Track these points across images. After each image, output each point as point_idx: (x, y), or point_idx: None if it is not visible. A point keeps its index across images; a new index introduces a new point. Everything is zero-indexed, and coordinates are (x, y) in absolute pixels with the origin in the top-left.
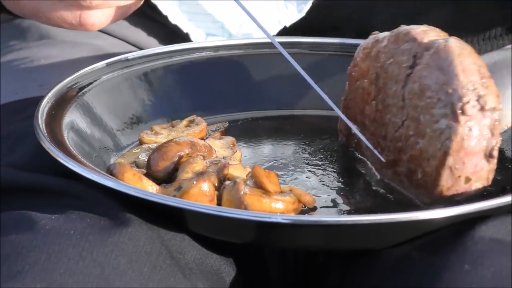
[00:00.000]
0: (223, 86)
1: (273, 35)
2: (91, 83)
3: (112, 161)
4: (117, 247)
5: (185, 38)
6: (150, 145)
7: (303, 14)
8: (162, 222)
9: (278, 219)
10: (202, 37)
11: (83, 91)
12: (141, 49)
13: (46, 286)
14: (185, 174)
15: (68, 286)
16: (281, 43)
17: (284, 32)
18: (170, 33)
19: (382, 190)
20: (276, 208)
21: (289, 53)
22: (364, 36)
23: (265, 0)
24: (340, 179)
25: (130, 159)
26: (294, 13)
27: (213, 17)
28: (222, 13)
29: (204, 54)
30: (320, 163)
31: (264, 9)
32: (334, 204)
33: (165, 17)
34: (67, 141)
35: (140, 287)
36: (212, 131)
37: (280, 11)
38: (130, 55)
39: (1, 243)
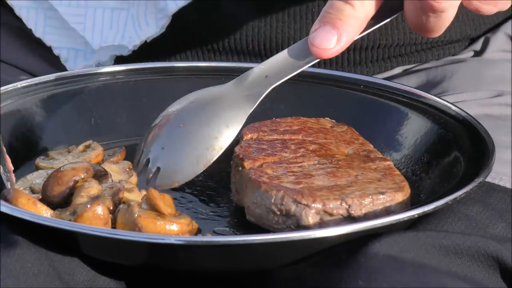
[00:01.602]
0: (120, 111)
1: (134, 50)
2: None
3: (6, 184)
4: (5, 268)
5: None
6: (46, 171)
7: (163, 29)
8: (52, 245)
9: (172, 240)
10: (66, 51)
11: None
12: (30, 73)
13: None
14: (80, 198)
15: None
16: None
17: (145, 48)
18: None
19: None
20: (170, 230)
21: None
22: (239, 56)
23: (127, 15)
24: (232, 202)
25: (26, 185)
26: (153, 28)
27: (76, 32)
28: (84, 28)
29: (101, 79)
30: (215, 186)
31: (124, 23)
32: (230, 225)
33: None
34: None
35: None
36: (108, 155)
37: (141, 26)
38: (22, 83)
39: None
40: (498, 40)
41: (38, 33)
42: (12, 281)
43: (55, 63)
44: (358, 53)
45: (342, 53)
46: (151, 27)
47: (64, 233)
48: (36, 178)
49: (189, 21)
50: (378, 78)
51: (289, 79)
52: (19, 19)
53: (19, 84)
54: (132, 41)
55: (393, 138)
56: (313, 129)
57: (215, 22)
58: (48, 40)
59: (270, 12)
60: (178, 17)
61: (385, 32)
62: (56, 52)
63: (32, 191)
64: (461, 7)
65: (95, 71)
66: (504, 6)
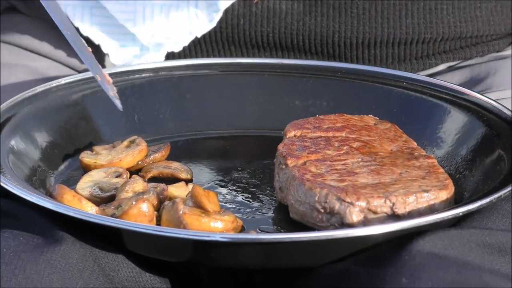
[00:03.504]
0: (164, 107)
1: (184, 46)
2: (28, 108)
3: (52, 182)
4: (50, 264)
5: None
6: (103, 170)
7: (214, 24)
8: (96, 241)
9: (217, 237)
10: (115, 48)
11: (21, 116)
12: (74, 69)
13: None
14: (125, 193)
15: None
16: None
17: (196, 44)
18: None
19: None
20: (215, 227)
21: (201, 75)
22: (283, 51)
23: (174, 10)
24: (275, 199)
25: (92, 183)
26: (205, 23)
27: (125, 29)
28: (134, 25)
29: (144, 75)
30: (259, 183)
31: (175, 19)
32: (274, 222)
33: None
34: (7, 164)
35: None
36: (153, 151)
37: (192, 21)
38: (66, 79)
39: None
40: None
41: (85, 31)
42: (57, 277)
43: (99, 60)
44: (403, 49)
45: (387, 49)
46: (203, 23)
47: (109, 230)
48: (98, 177)
49: (235, 16)
50: (421, 75)
51: (331, 76)
52: None
53: (63, 81)
54: (184, 37)
55: (436, 136)
56: (357, 127)
57: (261, 16)
58: (96, 38)
59: (315, 6)
60: (225, 12)
61: (430, 26)
62: (104, 50)
63: (101, 189)
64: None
65: (138, 68)
66: None
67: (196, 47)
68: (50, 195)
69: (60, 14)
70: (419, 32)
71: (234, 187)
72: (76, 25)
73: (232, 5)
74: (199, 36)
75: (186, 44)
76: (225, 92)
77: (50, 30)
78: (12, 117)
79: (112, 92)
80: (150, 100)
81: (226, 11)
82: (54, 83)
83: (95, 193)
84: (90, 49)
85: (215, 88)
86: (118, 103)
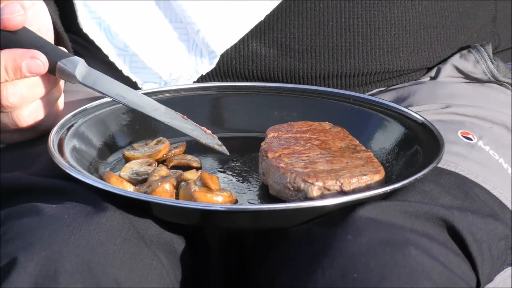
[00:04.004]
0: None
1: (193, 81)
2: (85, 118)
3: (103, 169)
4: (98, 226)
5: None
6: (139, 161)
7: (213, 65)
8: (132, 210)
9: (217, 207)
10: (141, 82)
11: (80, 124)
12: None
13: (48, 254)
14: (154, 177)
15: (63, 254)
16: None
17: (201, 78)
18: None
19: None
20: (216, 200)
21: (202, 95)
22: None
23: (185, 57)
24: (259, 181)
25: (130, 171)
26: (207, 65)
27: (152, 70)
28: (157, 65)
29: (167, 95)
30: (248, 169)
31: (186, 63)
32: (259, 197)
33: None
34: (70, 157)
35: (114, 253)
36: (174, 148)
37: (198, 65)
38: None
39: (17, 225)
40: (447, 69)
41: (126, 73)
42: (103, 234)
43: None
44: (348, 80)
45: (336, 80)
46: (206, 65)
47: (142, 202)
48: (135, 166)
49: (228, 58)
50: (363, 94)
51: (299, 95)
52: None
53: (109, 99)
54: (193, 75)
55: (373, 136)
56: (316, 130)
57: (247, 58)
58: (134, 78)
59: (285, 51)
60: (221, 56)
61: (367, 64)
62: (140, 85)
63: (137, 174)
64: (418, 42)
65: (163, 89)
66: None
67: (202, 80)
68: (101, 178)
69: (112, 86)
70: (359, 68)
71: (230, 173)
72: (119, 68)
73: (226, 50)
74: (204, 73)
75: (195, 79)
76: (224, 106)
77: (104, 66)
78: (73, 124)
79: (215, 143)
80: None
81: (222, 55)
82: (103, 100)
83: (133, 177)
84: (185, 117)
85: (217, 104)
86: (224, 149)
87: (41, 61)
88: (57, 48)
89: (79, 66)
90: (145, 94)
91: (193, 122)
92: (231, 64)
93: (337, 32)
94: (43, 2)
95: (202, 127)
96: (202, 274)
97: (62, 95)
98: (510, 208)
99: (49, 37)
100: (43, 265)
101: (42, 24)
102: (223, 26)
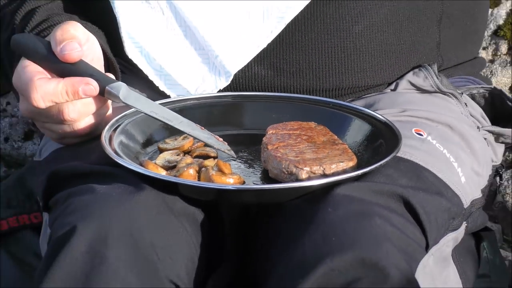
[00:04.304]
0: (201, 118)
1: (218, 91)
2: (129, 120)
3: (141, 158)
4: (138, 202)
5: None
6: (170, 152)
7: (228, 82)
8: (164, 190)
9: (229, 187)
10: (173, 95)
11: (125, 124)
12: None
13: (100, 223)
14: (181, 164)
15: (111, 223)
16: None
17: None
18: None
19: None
20: (229, 181)
21: (222, 101)
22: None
23: (207, 76)
24: (261, 167)
25: (163, 159)
26: (224, 82)
27: (182, 86)
28: (186, 82)
29: (191, 102)
30: (253, 158)
31: (208, 82)
32: (261, 179)
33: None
34: (117, 149)
35: (150, 222)
36: (196, 141)
37: (217, 82)
38: (158, 102)
39: (76, 201)
40: (403, 83)
41: (162, 88)
42: (141, 208)
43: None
44: (327, 93)
45: (318, 93)
46: (223, 82)
47: (172, 183)
48: (167, 156)
49: (238, 77)
50: (340, 101)
51: (292, 101)
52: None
53: (158, 102)
54: (214, 89)
55: (348, 132)
56: (305, 128)
57: (251, 77)
58: (168, 92)
59: (279, 71)
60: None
61: (341, 81)
62: (171, 96)
63: (168, 162)
64: (381, 64)
65: (187, 97)
66: None
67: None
68: (141, 165)
69: (148, 105)
70: (336, 84)
71: (239, 161)
72: (156, 85)
73: (236, 72)
74: (221, 88)
75: (215, 92)
76: (235, 110)
77: (145, 83)
78: (119, 125)
79: (225, 148)
80: (195, 114)
81: (234, 75)
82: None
83: (165, 164)
84: (203, 128)
85: (230, 108)
86: (232, 153)
87: (93, 86)
88: (106, 75)
89: (122, 89)
90: (179, 100)
91: (209, 132)
92: (239, 82)
93: (319, 58)
94: (95, 38)
95: (215, 136)
96: (217, 239)
97: (110, 109)
98: (451, 187)
99: (100, 64)
100: (95, 232)
101: (95, 55)
102: (235, 54)
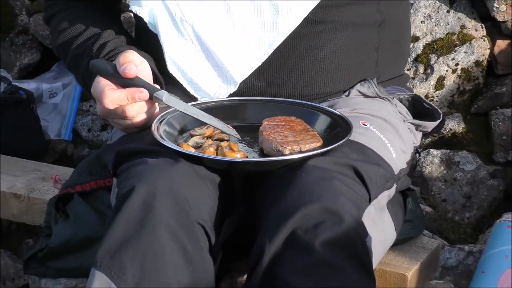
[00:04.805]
0: (217, 115)
1: (228, 95)
2: (170, 114)
3: (178, 140)
4: (176, 170)
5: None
6: (199, 136)
7: (235, 89)
8: (194, 162)
9: (237, 160)
10: (199, 98)
11: (168, 118)
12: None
13: (150, 184)
14: (205, 145)
15: (158, 184)
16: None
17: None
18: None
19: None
20: (236, 156)
21: (233, 102)
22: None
23: (222, 85)
24: (259, 147)
25: (193, 141)
26: (233, 88)
27: (205, 92)
28: (207, 89)
29: (211, 103)
30: (253, 141)
31: (221, 88)
32: (258, 155)
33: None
34: (162, 134)
35: (184, 184)
36: (216, 130)
37: (228, 88)
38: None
39: (134, 171)
40: (354, 91)
41: (192, 93)
42: (178, 174)
43: (196, 99)
44: (303, 98)
45: (297, 98)
46: (231, 88)
47: (199, 157)
48: (196, 139)
49: (241, 87)
50: (311, 102)
51: (279, 104)
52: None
53: (189, 103)
54: (226, 94)
55: (316, 123)
56: (287, 121)
57: (251, 88)
58: (195, 95)
59: (271, 84)
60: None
61: (312, 91)
62: (199, 99)
63: (196, 143)
64: (338, 79)
65: (211, 100)
66: None
67: (229, 96)
68: (178, 145)
69: (182, 105)
70: (308, 93)
71: (244, 143)
72: (188, 90)
73: (240, 84)
74: (231, 93)
75: (226, 96)
76: (241, 108)
77: (180, 89)
78: (164, 119)
79: (234, 134)
80: (213, 111)
81: (239, 85)
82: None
83: (194, 145)
84: (219, 120)
85: (237, 107)
86: (239, 137)
87: (145, 93)
88: (154, 86)
89: (165, 95)
90: (204, 103)
91: (223, 123)
92: (243, 91)
93: (297, 74)
94: (146, 61)
95: (227, 125)
96: (229, 195)
97: (157, 108)
98: (386, 160)
99: (150, 78)
100: (147, 190)
101: (146, 72)
102: (240, 70)
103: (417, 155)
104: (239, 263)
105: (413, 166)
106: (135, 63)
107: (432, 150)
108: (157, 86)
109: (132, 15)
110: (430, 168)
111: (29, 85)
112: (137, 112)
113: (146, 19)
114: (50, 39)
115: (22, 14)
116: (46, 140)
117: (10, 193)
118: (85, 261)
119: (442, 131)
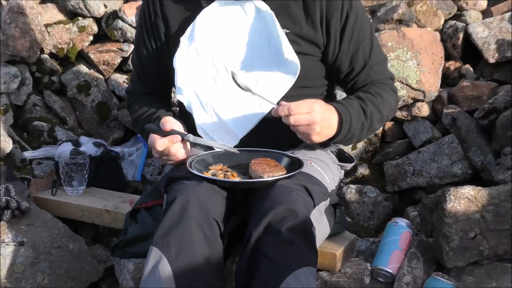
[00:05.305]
0: (228, 157)
1: (234, 146)
2: (196, 155)
3: (201, 170)
4: (201, 187)
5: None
6: (212, 169)
7: (237, 143)
8: (211, 183)
9: (236, 181)
10: (216, 146)
11: (195, 157)
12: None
13: (186, 196)
14: (217, 173)
15: (190, 196)
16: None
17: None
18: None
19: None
20: (236, 179)
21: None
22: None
23: (229, 140)
24: (249, 174)
25: (211, 171)
26: (235, 142)
27: (219, 142)
28: (220, 140)
29: (223, 149)
30: (245, 171)
31: (228, 142)
32: (249, 178)
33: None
34: (193, 167)
35: (206, 195)
36: (224, 166)
37: (232, 142)
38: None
39: (176, 188)
40: (305, 144)
41: (209, 138)
42: (203, 189)
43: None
44: (275, 148)
45: (272, 148)
46: (234, 142)
47: (213, 180)
48: (212, 170)
49: (240, 142)
50: (279, 151)
51: (261, 151)
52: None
53: (209, 144)
54: (232, 145)
55: (282, 162)
56: (266, 160)
57: (244, 144)
58: (214, 139)
59: (257, 139)
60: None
61: (281, 143)
62: (216, 148)
63: (212, 173)
64: (296, 136)
65: (221, 148)
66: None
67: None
68: (201, 173)
69: (205, 144)
70: (279, 144)
71: (240, 173)
72: (200, 134)
73: (242, 138)
74: (235, 144)
75: (232, 146)
76: (240, 154)
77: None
78: (193, 160)
79: (234, 150)
80: (223, 157)
81: (240, 140)
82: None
83: (212, 173)
84: (223, 143)
85: (237, 154)
86: (237, 151)
87: (178, 137)
88: (183, 132)
89: (191, 137)
90: (216, 151)
91: (228, 146)
92: (242, 143)
93: (274, 135)
94: (178, 121)
95: (235, 149)
96: (232, 201)
97: (189, 146)
98: (323, 183)
99: (181, 128)
100: (184, 199)
101: (177, 125)
102: (240, 130)
103: (342, 187)
104: (238, 248)
105: (340, 193)
106: (171, 123)
107: (351, 184)
108: (186, 133)
109: (176, 100)
110: (349, 195)
111: (117, 149)
112: (176, 150)
113: (185, 104)
114: (130, 122)
115: (114, 109)
116: (126, 181)
117: (104, 210)
118: (146, 248)
119: (356, 174)
